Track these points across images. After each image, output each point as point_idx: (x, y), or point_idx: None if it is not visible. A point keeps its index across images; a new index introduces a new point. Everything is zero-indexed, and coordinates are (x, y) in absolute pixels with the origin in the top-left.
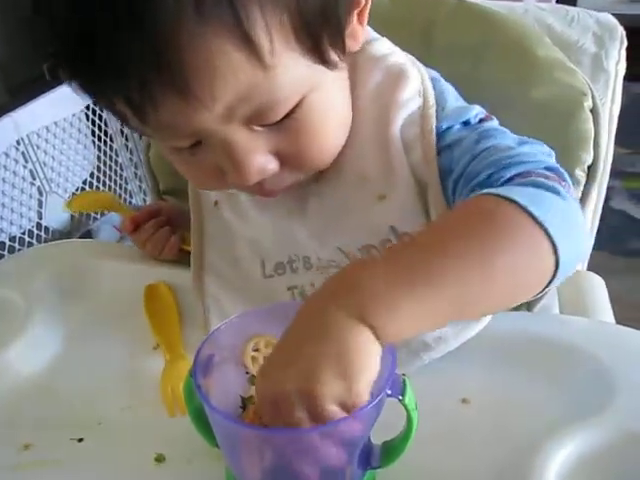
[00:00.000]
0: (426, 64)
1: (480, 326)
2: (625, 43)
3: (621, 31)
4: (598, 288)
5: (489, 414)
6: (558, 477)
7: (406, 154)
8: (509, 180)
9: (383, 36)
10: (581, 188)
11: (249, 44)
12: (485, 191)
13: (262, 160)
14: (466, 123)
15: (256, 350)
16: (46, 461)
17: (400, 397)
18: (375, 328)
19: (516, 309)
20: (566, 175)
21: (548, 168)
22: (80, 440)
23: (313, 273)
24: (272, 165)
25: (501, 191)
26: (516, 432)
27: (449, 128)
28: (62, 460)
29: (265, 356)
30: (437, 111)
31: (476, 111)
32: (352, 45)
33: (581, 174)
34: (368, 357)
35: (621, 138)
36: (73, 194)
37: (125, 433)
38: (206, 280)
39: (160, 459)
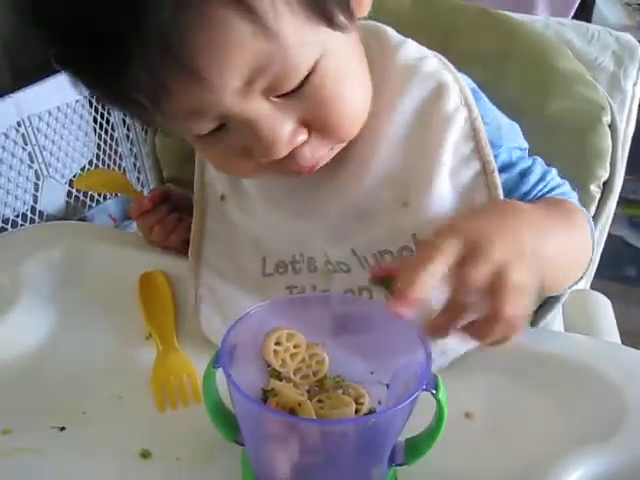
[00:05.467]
0: None
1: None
2: None
3: None
4: (604, 308)
5: (493, 430)
6: None
7: (459, 167)
8: None
9: None
10: (595, 204)
11: (252, 14)
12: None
13: (288, 129)
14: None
15: (277, 344)
16: (25, 448)
17: (434, 391)
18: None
19: None
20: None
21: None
22: (62, 429)
23: (316, 276)
24: (300, 133)
25: (574, 201)
26: (521, 452)
27: (510, 150)
28: (41, 448)
29: (287, 350)
30: (493, 129)
31: (520, 133)
32: (358, 10)
33: (596, 190)
34: None
35: (626, 164)
36: (72, 178)
37: (110, 425)
38: (202, 271)
39: (145, 455)
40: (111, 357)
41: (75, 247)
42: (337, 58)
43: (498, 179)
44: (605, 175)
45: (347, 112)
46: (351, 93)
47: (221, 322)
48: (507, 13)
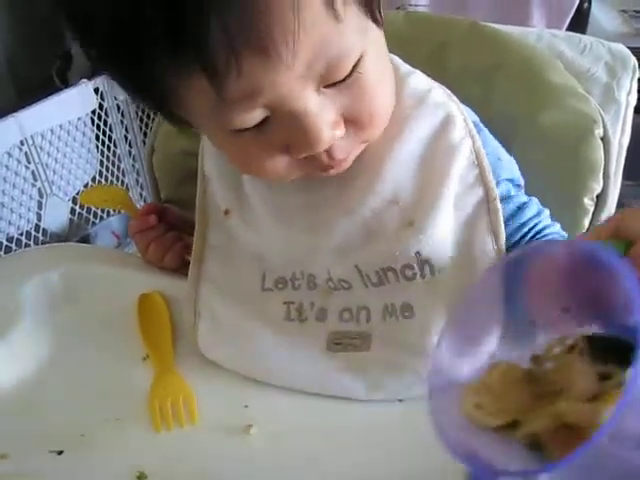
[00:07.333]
0: None
1: None
2: (638, 73)
3: (634, 61)
4: None
5: None
6: None
7: (463, 194)
8: None
9: (396, 55)
10: (589, 217)
11: None
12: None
13: (332, 123)
14: (510, 180)
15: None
16: (22, 473)
17: None
18: None
19: None
20: None
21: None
22: (60, 453)
23: (315, 294)
24: (339, 127)
25: None
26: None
27: (507, 184)
28: (39, 473)
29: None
30: (493, 160)
31: (517, 169)
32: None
33: (590, 203)
34: None
35: (626, 170)
36: (75, 196)
37: (108, 447)
38: (202, 287)
39: (142, 477)
40: (109, 379)
41: (74, 269)
42: (377, 54)
43: (499, 206)
44: (598, 188)
45: (382, 107)
46: (386, 90)
47: (217, 338)
48: (496, 26)
